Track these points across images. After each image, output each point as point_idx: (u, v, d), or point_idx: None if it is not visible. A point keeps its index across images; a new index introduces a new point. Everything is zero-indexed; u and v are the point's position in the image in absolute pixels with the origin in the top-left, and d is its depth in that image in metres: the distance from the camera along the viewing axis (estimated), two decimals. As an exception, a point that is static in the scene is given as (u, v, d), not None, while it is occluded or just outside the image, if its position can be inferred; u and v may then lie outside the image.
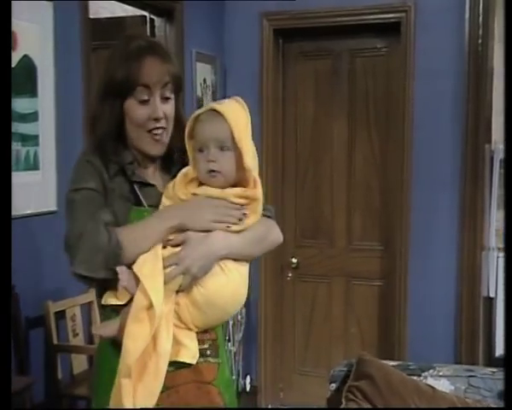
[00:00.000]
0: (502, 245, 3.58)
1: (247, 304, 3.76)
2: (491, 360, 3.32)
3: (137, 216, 1.40)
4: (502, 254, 3.50)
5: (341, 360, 3.50)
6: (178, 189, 1.41)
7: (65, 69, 2.65)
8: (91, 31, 2.88)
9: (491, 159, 3.41)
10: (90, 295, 2.76)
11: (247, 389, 3.86)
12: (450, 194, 3.45)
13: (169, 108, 1.47)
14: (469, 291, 3.41)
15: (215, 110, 1.39)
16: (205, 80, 3.59)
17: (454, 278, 3.47)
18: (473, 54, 3.33)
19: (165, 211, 1.40)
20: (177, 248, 1.34)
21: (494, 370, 2.29)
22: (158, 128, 1.45)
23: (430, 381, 2.24)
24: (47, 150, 2.58)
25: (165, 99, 1.46)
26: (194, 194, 1.40)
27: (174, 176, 1.46)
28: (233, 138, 1.36)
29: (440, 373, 2.29)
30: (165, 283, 1.30)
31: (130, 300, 1.31)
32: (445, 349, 3.45)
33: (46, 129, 2.58)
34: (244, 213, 1.39)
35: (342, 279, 3.82)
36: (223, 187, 1.39)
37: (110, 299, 1.37)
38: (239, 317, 3.74)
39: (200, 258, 1.33)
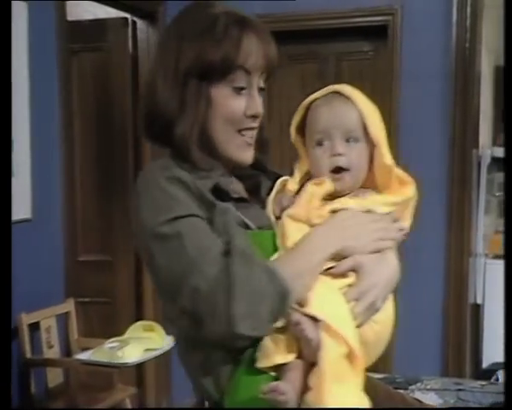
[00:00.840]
0: (489, 251, 3.53)
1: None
2: (477, 372, 3.26)
3: (258, 243, 1.02)
4: (489, 261, 3.45)
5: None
6: (304, 209, 1.05)
7: (40, 72, 2.55)
8: (71, 33, 2.79)
9: (479, 164, 3.36)
10: (68, 305, 2.67)
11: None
12: (437, 199, 3.37)
13: (262, 104, 1.13)
14: (457, 298, 3.35)
15: (339, 92, 1.08)
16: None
17: (441, 286, 3.40)
18: (460, 57, 3.27)
19: (315, 236, 1.02)
20: (346, 279, 1.01)
21: (483, 383, 2.24)
22: (252, 128, 1.11)
23: (418, 395, 2.17)
24: (21, 156, 2.48)
25: (260, 91, 1.12)
26: (334, 211, 1.05)
27: (247, 185, 1.14)
28: (364, 127, 1.06)
29: (428, 387, 2.22)
30: None
31: None
32: (431, 360, 3.38)
33: (20, 134, 2.48)
34: (401, 228, 1.09)
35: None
36: (350, 190, 1.08)
37: (276, 358, 0.96)
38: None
39: (384, 288, 1.03)
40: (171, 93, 1.07)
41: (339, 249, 1.02)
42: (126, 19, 3.29)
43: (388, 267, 1.05)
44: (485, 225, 3.51)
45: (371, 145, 1.07)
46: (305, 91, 3.83)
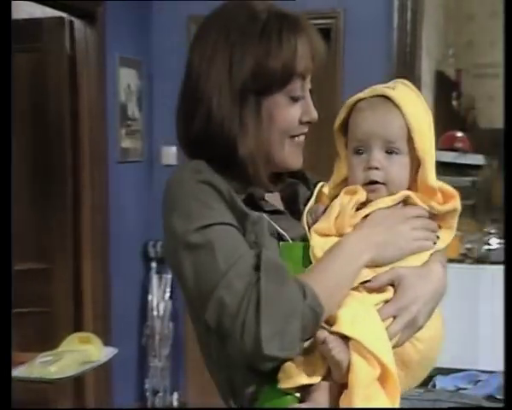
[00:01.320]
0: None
1: (175, 317, 3.61)
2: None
3: (290, 255, 0.97)
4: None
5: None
6: (333, 222, 0.97)
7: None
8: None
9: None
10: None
11: (175, 405, 3.70)
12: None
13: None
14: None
15: (384, 96, 0.98)
16: (129, 86, 3.41)
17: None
18: (401, 62, 3.31)
19: (346, 244, 0.95)
20: (383, 294, 0.93)
21: (420, 390, 2.23)
22: (304, 133, 1.07)
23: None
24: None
25: (310, 93, 1.07)
26: (366, 216, 0.98)
27: (284, 194, 1.09)
28: (409, 138, 0.96)
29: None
30: None
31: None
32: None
33: None
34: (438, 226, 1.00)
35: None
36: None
37: (300, 379, 0.90)
38: (166, 331, 3.57)
39: (427, 303, 0.94)
40: (229, 111, 1.00)
41: (373, 256, 0.94)
42: (63, 18, 3.18)
43: (432, 280, 0.96)
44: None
45: (416, 160, 0.98)
46: None
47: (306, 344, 0.91)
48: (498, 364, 2.64)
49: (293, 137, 1.05)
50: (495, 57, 4.68)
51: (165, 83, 3.60)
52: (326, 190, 1.06)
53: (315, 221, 1.01)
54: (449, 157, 3.33)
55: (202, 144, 1.03)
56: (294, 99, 1.03)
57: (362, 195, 0.98)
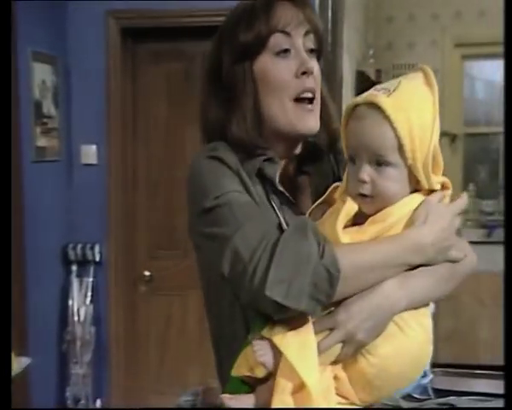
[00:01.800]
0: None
1: (97, 322, 3.51)
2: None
3: None
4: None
5: (198, 377, 3.39)
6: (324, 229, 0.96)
7: None
8: None
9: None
10: None
11: (98, 413, 3.59)
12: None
13: (316, 67, 1.08)
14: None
15: (377, 105, 0.94)
16: (44, 81, 3.26)
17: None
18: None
19: (401, 238, 0.95)
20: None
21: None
22: (308, 90, 1.05)
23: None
24: None
25: (309, 53, 1.07)
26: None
27: (313, 180, 1.09)
28: (401, 152, 0.94)
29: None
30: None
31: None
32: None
33: None
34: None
35: (198, 292, 3.65)
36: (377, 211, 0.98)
37: (242, 369, 0.95)
38: (87, 336, 3.45)
39: (368, 318, 0.93)
40: (220, 103, 1.08)
41: (406, 263, 0.96)
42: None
43: (382, 296, 0.94)
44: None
45: (410, 169, 0.96)
46: (171, 91, 3.71)
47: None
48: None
49: (297, 100, 1.05)
50: (412, 59, 4.83)
51: (82, 79, 3.50)
52: (337, 191, 1.04)
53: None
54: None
55: (206, 132, 1.14)
56: (281, 55, 1.05)
57: (351, 207, 0.97)
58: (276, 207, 1.05)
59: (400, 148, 0.94)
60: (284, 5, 1.07)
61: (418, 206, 0.98)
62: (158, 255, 3.67)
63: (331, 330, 0.93)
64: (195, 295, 3.66)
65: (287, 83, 1.05)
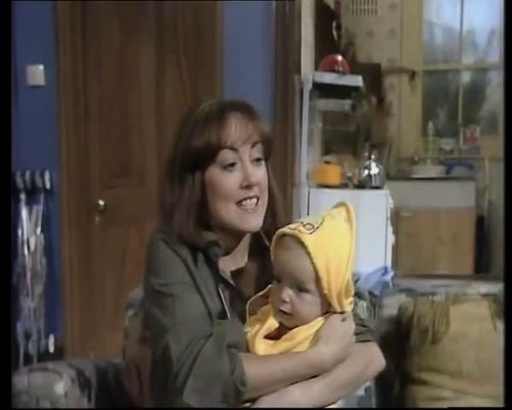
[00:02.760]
0: (312, 180, 3.62)
1: (48, 252, 3.42)
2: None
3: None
4: (313, 190, 3.53)
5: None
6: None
7: None
8: None
9: (301, 91, 3.40)
10: None
11: (51, 349, 3.50)
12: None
13: (262, 174, 1.24)
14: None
15: (300, 240, 1.12)
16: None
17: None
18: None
19: (303, 356, 1.15)
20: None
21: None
22: (251, 198, 1.22)
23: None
24: None
25: (256, 162, 1.23)
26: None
27: (264, 271, 1.26)
28: (318, 283, 1.13)
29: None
30: None
31: None
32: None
33: None
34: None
35: (156, 222, 3.59)
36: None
37: None
38: (38, 267, 3.36)
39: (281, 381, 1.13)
40: (171, 187, 1.24)
41: (305, 376, 1.14)
42: None
43: (285, 401, 1.13)
44: (308, 154, 3.58)
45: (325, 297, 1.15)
46: (123, 12, 3.48)
47: None
48: (375, 266, 2.74)
49: (239, 203, 1.22)
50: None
51: (27, 5, 3.32)
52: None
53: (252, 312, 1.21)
54: (329, 78, 3.34)
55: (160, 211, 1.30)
56: (228, 168, 1.20)
57: (271, 324, 1.16)
58: (220, 292, 1.22)
59: (317, 279, 1.12)
60: (235, 118, 1.21)
61: (322, 325, 1.16)
62: (112, 184, 3.57)
63: None
64: (153, 225, 3.58)
65: (232, 192, 1.21)
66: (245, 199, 1.22)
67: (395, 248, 3.73)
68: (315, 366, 1.15)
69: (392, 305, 1.79)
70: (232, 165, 1.21)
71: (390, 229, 3.47)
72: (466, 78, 5.18)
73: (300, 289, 1.14)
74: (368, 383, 1.73)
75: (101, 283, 3.64)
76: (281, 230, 1.16)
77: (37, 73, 3.28)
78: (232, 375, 1.09)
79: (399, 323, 1.73)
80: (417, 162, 5.10)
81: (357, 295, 1.76)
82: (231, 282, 1.25)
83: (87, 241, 3.60)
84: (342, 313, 1.18)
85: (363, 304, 1.78)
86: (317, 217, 1.16)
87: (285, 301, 1.14)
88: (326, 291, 1.13)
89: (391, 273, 2.43)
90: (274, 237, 1.18)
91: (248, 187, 1.21)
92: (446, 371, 1.65)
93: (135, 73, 3.51)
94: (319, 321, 1.17)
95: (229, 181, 1.21)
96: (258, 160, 1.24)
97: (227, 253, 1.28)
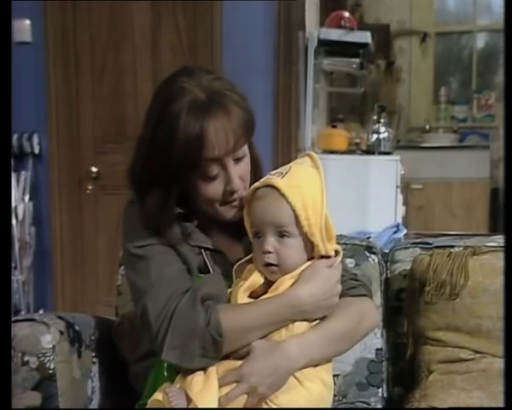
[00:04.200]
0: (318, 146, 3.57)
1: (38, 222, 3.39)
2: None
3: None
4: (319, 156, 3.48)
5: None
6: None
7: None
8: None
9: (306, 48, 3.34)
10: None
11: (43, 323, 3.48)
12: (264, 86, 3.31)
13: (245, 167, 1.26)
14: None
15: (273, 186, 1.17)
16: None
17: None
18: None
19: (278, 297, 1.17)
20: (238, 362, 1.16)
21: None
22: (235, 199, 1.25)
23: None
24: None
25: (239, 160, 1.24)
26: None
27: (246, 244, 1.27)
28: (297, 222, 1.16)
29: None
30: (224, 404, 1.11)
31: None
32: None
33: None
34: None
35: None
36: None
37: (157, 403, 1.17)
38: (27, 237, 3.32)
39: (270, 374, 1.13)
40: (143, 170, 1.24)
41: (283, 320, 1.16)
42: None
43: (282, 356, 1.13)
44: (314, 120, 3.53)
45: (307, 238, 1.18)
46: None
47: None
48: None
49: (223, 204, 1.24)
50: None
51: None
52: None
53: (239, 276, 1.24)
54: (336, 35, 3.28)
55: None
56: (211, 178, 1.21)
57: (255, 279, 1.19)
58: (203, 252, 1.27)
59: (296, 218, 1.15)
60: (215, 128, 1.17)
61: (305, 268, 1.19)
62: (106, 149, 3.53)
63: (237, 382, 1.12)
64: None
65: (215, 198, 1.24)
66: (230, 202, 1.25)
67: (405, 223, 3.69)
68: (293, 305, 1.15)
69: (405, 259, 1.73)
70: (215, 176, 1.22)
71: (400, 198, 3.43)
72: (480, 40, 5.12)
73: (282, 234, 1.17)
74: (379, 345, 1.70)
75: (94, 255, 3.61)
76: (253, 185, 1.21)
77: (23, 29, 3.23)
78: (208, 326, 1.12)
79: (413, 277, 1.66)
80: (428, 131, 5.05)
81: (368, 248, 1.75)
82: (212, 247, 1.29)
83: (79, 210, 3.58)
84: (328, 258, 1.21)
85: (374, 258, 1.73)
86: (283, 168, 1.21)
87: (269, 252, 1.17)
88: (306, 229, 1.16)
89: (403, 231, 2.39)
90: (248, 193, 1.22)
91: (233, 192, 1.24)
92: (465, 329, 1.59)
93: (128, 30, 3.45)
94: (303, 269, 1.20)
95: (212, 189, 1.23)
96: (241, 158, 1.25)
97: (214, 226, 1.31)
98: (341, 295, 1.24)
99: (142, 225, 1.23)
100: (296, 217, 1.16)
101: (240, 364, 1.15)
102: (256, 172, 1.31)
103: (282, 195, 1.16)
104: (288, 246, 1.17)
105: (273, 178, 1.18)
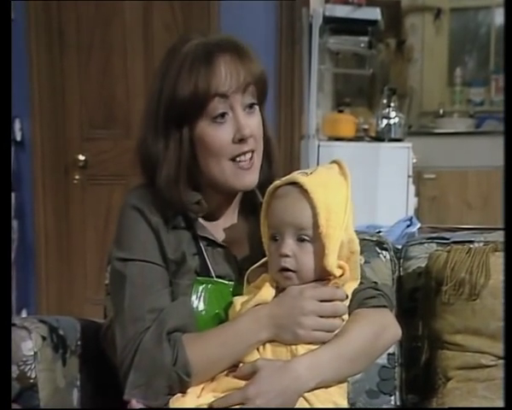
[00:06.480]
0: (323, 132, 3.56)
1: (20, 214, 3.42)
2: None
3: (211, 293, 1.25)
4: (323, 143, 3.48)
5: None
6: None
7: None
8: None
9: (310, 26, 3.33)
10: None
11: (25, 323, 3.50)
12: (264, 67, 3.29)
13: (256, 122, 1.25)
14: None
15: (298, 184, 1.16)
16: None
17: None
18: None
19: (240, 322, 1.18)
20: (239, 381, 1.15)
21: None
22: (245, 153, 1.24)
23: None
24: None
25: (249, 108, 1.24)
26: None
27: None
28: (317, 227, 1.14)
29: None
30: None
31: None
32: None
33: None
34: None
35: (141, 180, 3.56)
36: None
37: None
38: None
39: (277, 396, 1.11)
40: (155, 140, 1.24)
41: (271, 337, 1.15)
42: None
43: (291, 377, 1.11)
44: (318, 105, 3.52)
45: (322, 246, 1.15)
46: None
47: None
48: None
49: (233, 159, 1.23)
50: None
51: None
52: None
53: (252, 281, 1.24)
54: (342, 11, 3.29)
55: (142, 167, 1.30)
56: (218, 120, 1.21)
57: (264, 296, 1.18)
58: (203, 250, 1.27)
59: (316, 218, 1.13)
60: (224, 61, 1.20)
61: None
62: (94, 136, 3.57)
63: (242, 404, 1.11)
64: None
65: (224, 148, 1.22)
66: (239, 155, 1.24)
67: (416, 215, 3.71)
68: (259, 321, 1.16)
69: (420, 256, 1.72)
70: (223, 116, 1.22)
71: (412, 188, 3.44)
72: (499, 16, 5.10)
73: (301, 238, 1.15)
74: (391, 350, 1.69)
75: (82, 250, 3.65)
76: (274, 183, 1.20)
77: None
78: (175, 365, 1.14)
79: (429, 275, 1.66)
80: (442, 116, 5.06)
81: (378, 244, 1.74)
82: (214, 239, 1.29)
83: (65, 202, 3.61)
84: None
85: (386, 255, 1.72)
86: (308, 169, 1.22)
87: (287, 255, 1.15)
88: (323, 229, 1.13)
89: (417, 225, 2.39)
90: (267, 192, 1.21)
91: (242, 141, 1.23)
92: (486, 333, 1.58)
93: (117, 4, 3.47)
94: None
95: (220, 135, 1.22)
96: (251, 106, 1.25)
97: (219, 214, 1.32)
98: (359, 306, 1.22)
99: (134, 234, 1.24)
100: (316, 216, 1.14)
101: (243, 384, 1.13)
102: (269, 155, 1.32)
103: (305, 191, 1.14)
104: (307, 251, 1.16)
105: (297, 175, 1.18)
